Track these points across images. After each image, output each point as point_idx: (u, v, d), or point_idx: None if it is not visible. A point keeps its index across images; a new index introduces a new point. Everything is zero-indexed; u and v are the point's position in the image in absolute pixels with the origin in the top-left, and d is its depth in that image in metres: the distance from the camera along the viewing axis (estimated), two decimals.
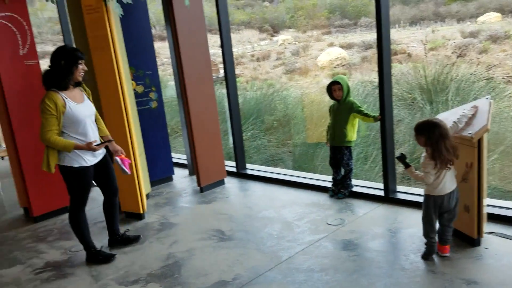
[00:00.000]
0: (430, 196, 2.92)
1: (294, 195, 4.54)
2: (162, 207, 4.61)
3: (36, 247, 3.97)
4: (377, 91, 4.00)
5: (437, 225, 3.00)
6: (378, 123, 3.97)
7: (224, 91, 5.28)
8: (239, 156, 5.37)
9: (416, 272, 2.85)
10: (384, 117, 3.91)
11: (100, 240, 3.84)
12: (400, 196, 4.04)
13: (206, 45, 4.83)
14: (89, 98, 3.38)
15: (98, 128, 3.45)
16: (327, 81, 4.67)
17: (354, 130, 4.24)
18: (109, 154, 3.52)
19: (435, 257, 3.00)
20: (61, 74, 3.12)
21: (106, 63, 3.95)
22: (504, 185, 5.32)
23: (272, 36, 32.79)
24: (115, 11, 3.88)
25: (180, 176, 5.65)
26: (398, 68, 10.46)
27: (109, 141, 3.43)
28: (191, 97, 4.69)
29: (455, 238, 3.16)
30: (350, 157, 4.27)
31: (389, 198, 4.06)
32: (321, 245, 3.38)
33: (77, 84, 3.28)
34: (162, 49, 17.68)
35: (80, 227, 3.40)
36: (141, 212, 4.29)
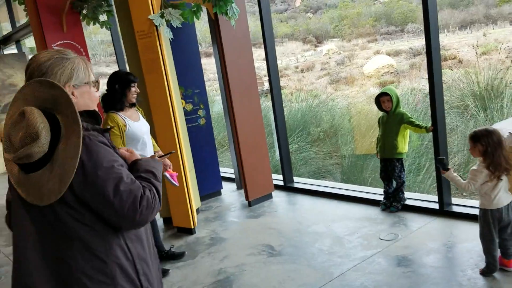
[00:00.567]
0: (487, 210, 2.79)
1: (344, 209, 4.47)
2: (212, 222, 4.68)
3: None
4: (427, 98, 3.89)
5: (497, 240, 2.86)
6: (431, 132, 3.85)
7: (269, 103, 5.31)
8: (286, 169, 5.37)
9: None
10: (436, 126, 3.79)
11: None
12: (456, 209, 3.88)
13: (252, 60, 4.90)
14: (143, 117, 3.56)
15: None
16: (374, 90, 4.59)
17: (406, 142, 4.13)
18: None
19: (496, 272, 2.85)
20: (116, 96, 3.33)
21: (158, 85, 4.10)
22: None
23: (316, 46, 32.73)
24: (165, 36, 4.04)
25: (228, 190, 5.72)
26: (449, 75, 10.10)
27: (171, 152, 3.56)
28: (237, 112, 4.77)
29: None
30: (402, 169, 4.16)
31: (444, 211, 3.91)
32: (374, 261, 3.30)
33: (132, 105, 3.46)
34: (208, 65, 18.13)
35: None
36: (192, 227, 4.38)
